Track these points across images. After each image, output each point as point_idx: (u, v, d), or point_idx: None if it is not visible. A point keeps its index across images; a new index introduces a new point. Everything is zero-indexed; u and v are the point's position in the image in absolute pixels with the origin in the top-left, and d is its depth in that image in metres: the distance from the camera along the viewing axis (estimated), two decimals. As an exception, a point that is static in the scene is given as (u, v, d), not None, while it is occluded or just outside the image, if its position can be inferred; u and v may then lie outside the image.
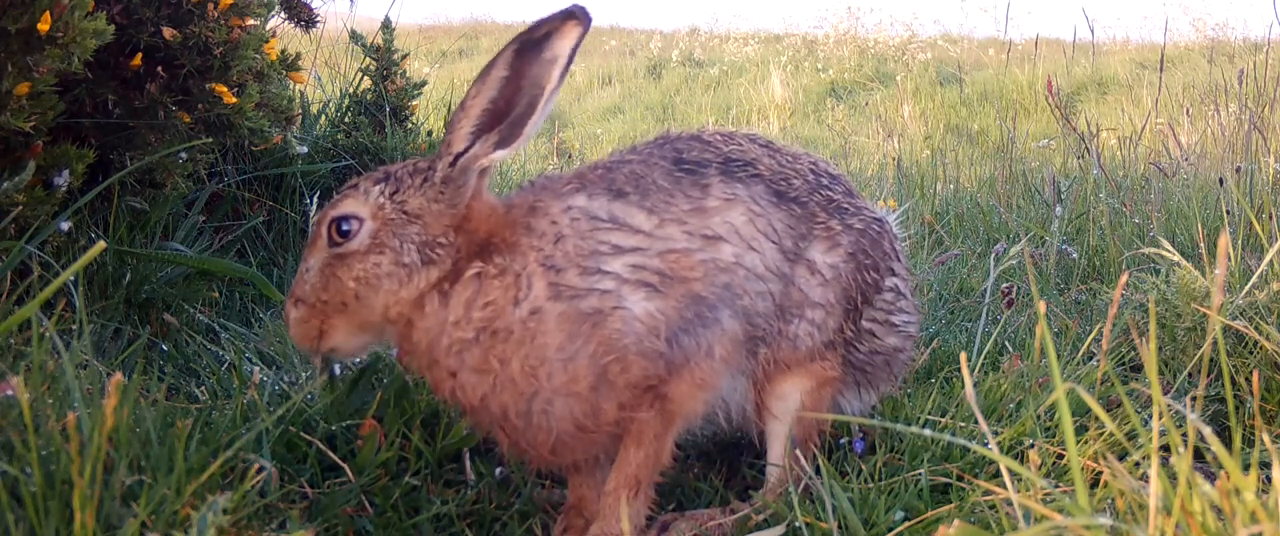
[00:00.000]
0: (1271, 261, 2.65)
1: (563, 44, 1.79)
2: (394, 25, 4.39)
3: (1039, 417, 2.23)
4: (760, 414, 2.14)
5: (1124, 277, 1.72)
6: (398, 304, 1.84)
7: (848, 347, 2.14)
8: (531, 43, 1.80)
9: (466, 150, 1.85)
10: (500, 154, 1.85)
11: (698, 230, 1.94)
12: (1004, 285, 3.02)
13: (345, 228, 1.84)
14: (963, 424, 2.25)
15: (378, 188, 1.86)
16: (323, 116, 4.33)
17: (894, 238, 2.27)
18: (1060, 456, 2.08)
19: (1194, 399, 1.70)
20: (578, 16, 1.78)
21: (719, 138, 2.16)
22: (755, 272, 1.99)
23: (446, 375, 1.85)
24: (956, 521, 1.43)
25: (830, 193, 2.18)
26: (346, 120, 4.23)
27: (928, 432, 1.67)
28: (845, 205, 2.18)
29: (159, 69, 2.87)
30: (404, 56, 4.39)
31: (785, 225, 2.06)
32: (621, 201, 1.93)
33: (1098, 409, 1.38)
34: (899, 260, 2.28)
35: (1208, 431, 1.32)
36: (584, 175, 1.98)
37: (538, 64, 1.81)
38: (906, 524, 1.93)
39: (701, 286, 1.91)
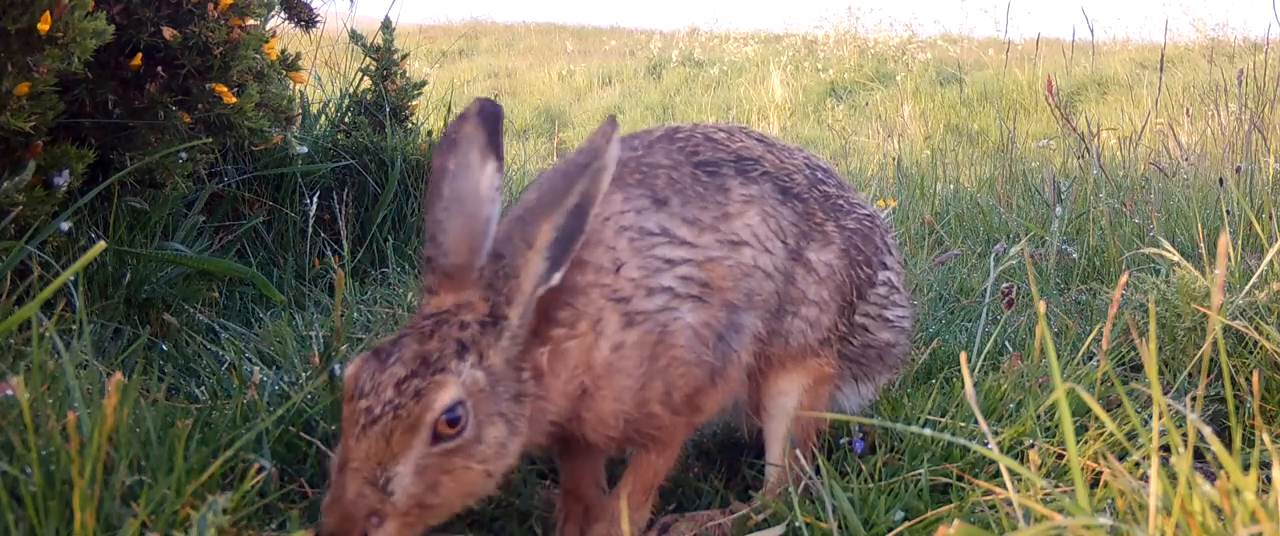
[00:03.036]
0: (1271, 261, 2.65)
1: (613, 150, 1.73)
2: (394, 25, 4.39)
3: (1039, 417, 2.23)
4: (758, 413, 2.15)
5: (1124, 278, 1.72)
6: (516, 454, 1.73)
7: (842, 343, 2.16)
8: (600, 162, 1.72)
9: (537, 287, 1.71)
10: (556, 278, 1.72)
11: (726, 236, 1.96)
12: (1004, 285, 3.02)
13: (455, 417, 1.61)
14: (963, 424, 2.25)
15: (466, 364, 1.63)
16: (323, 116, 4.33)
17: (885, 232, 2.28)
18: (1060, 456, 2.08)
19: (1194, 399, 1.70)
20: (613, 122, 1.74)
21: (722, 133, 2.16)
22: (767, 272, 2.01)
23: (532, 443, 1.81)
24: (956, 521, 1.43)
25: (826, 188, 2.20)
26: (346, 120, 4.23)
27: (928, 432, 1.67)
28: (839, 201, 2.20)
29: (159, 69, 2.87)
30: (404, 56, 4.39)
31: (790, 222, 2.08)
32: (666, 211, 1.92)
33: (1098, 409, 1.38)
34: (891, 253, 2.29)
35: (1208, 431, 1.32)
36: (622, 181, 1.92)
37: (586, 176, 1.71)
38: (906, 524, 1.93)
39: (733, 293, 1.94)
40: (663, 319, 1.84)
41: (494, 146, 1.78)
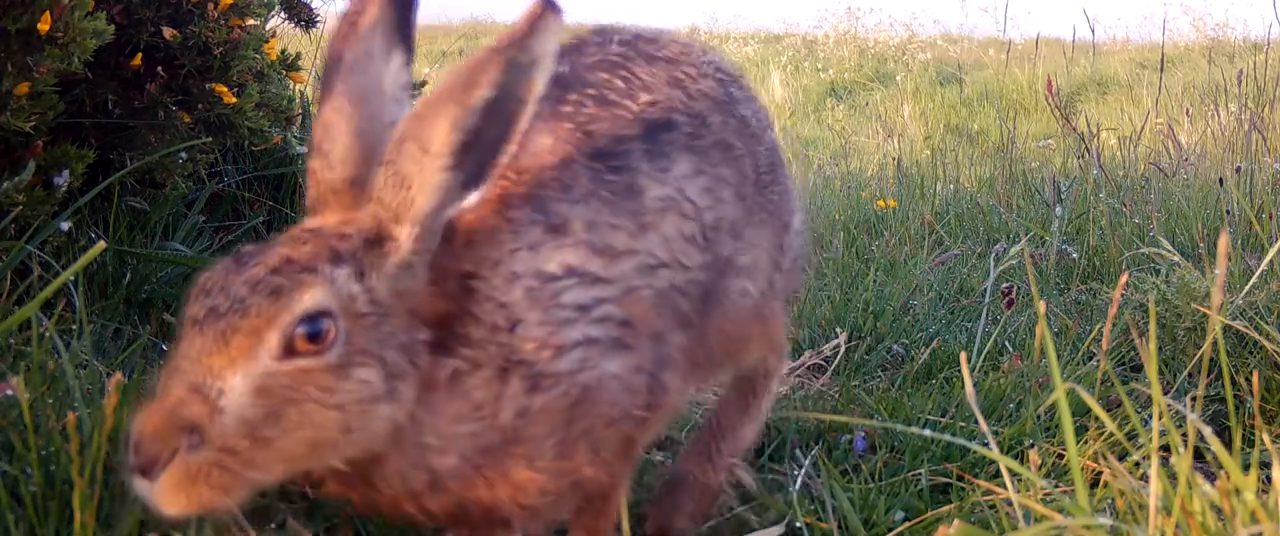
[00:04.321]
0: (1271, 261, 2.65)
1: (546, 42, 1.35)
2: (394, 25, 4.38)
3: (1039, 417, 2.23)
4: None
5: (1124, 278, 1.72)
6: (383, 435, 1.35)
7: (778, 272, 1.94)
8: (517, 48, 1.35)
9: (439, 204, 1.36)
10: (472, 198, 1.39)
11: (644, 259, 1.60)
12: (1004, 285, 3.02)
13: (318, 329, 1.27)
14: (963, 424, 2.25)
15: (342, 271, 1.31)
16: (323, 116, 4.32)
17: (771, 126, 2.03)
18: (1060, 456, 2.08)
19: (1194, 399, 1.70)
20: (555, 6, 1.35)
21: (619, 80, 1.74)
22: (684, 285, 1.67)
23: (422, 508, 1.46)
24: (956, 521, 1.43)
25: (740, 111, 1.89)
26: (346, 120, 4.21)
27: (928, 432, 1.67)
28: (751, 122, 1.91)
29: (159, 69, 2.87)
30: (404, 56, 4.39)
31: (707, 191, 1.72)
32: (568, 240, 1.52)
33: (1098, 409, 1.38)
34: (779, 151, 2.04)
35: (1208, 431, 1.32)
36: (506, 204, 1.50)
37: (515, 71, 1.35)
38: (906, 524, 1.93)
39: (657, 320, 1.60)
40: (582, 379, 1.48)
41: (403, 34, 1.48)
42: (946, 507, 1.96)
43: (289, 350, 1.26)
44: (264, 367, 1.25)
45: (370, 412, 1.31)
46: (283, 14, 3.65)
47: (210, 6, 2.81)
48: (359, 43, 1.44)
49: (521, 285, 1.46)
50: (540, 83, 1.36)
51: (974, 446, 1.58)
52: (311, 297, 1.26)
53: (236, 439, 1.23)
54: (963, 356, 1.58)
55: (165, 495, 1.22)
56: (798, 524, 1.92)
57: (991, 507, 1.93)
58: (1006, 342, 2.99)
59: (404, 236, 1.35)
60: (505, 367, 1.43)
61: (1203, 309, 2.66)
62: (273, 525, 1.82)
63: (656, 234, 1.62)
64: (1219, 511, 1.30)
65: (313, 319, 1.26)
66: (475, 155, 1.35)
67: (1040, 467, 1.98)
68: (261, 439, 1.25)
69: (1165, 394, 2.50)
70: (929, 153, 7.30)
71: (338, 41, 1.44)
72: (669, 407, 1.68)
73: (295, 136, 3.78)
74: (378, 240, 1.35)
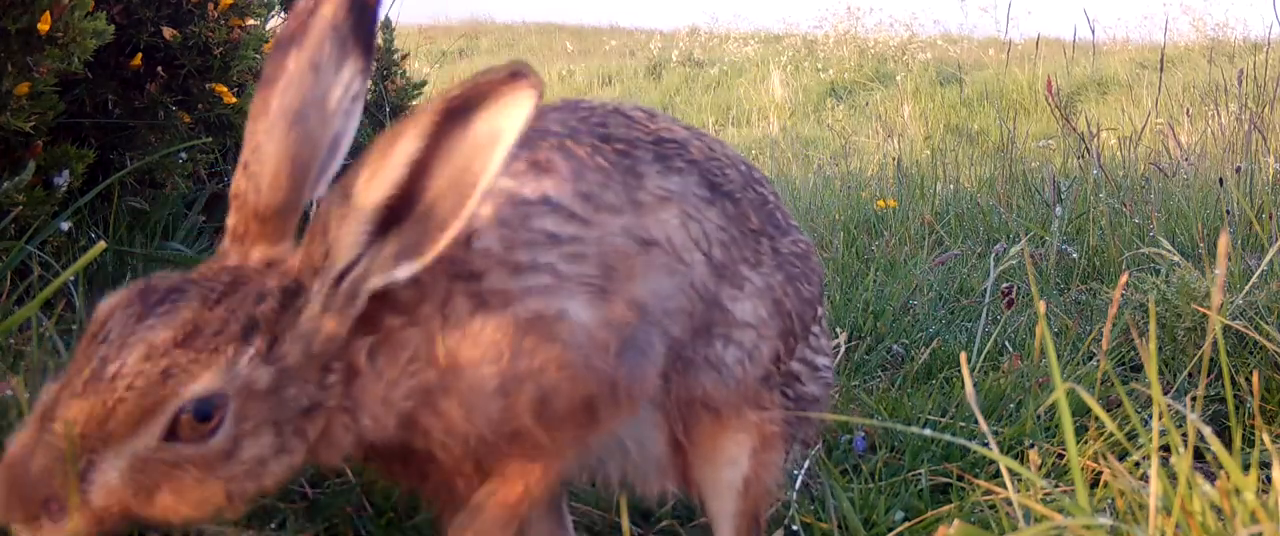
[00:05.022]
0: (1271, 261, 2.65)
1: (509, 116, 1.19)
2: (394, 25, 4.39)
3: (1039, 417, 2.23)
4: (691, 489, 1.71)
5: (1124, 278, 1.72)
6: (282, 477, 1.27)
7: (783, 392, 1.72)
8: (465, 108, 1.19)
9: (356, 263, 1.24)
10: (403, 273, 1.24)
11: (633, 228, 1.48)
12: (1004, 285, 3.03)
13: (205, 413, 1.17)
14: (963, 424, 2.25)
15: (248, 353, 1.18)
16: (323, 116, 4.32)
17: (819, 260, 1.86)
18: (1060, 456, 2.08)
19: (1194, 399, 1.70)
20: (529, 78, 1.17)
21: (640, 112, 1.69)
22: (683, 289, 1.55)
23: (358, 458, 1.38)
24: (956, 521, 1.43)
25: (763, 191, 1.77)
26: (346, 120, 4.22)
27: (928, 432, 1.67)
28: (775, 211, 1.78)
29: (159, 69, 2.87)
30: (404, 56, 4.40)
31: (718, 226, 1.61)
32: (551, 178, 1.43)
33: (1098, 409, 1.38)
34: (823, 289, 1.87)
35: (1208, 431, 1.32)
36: None
37: (468, 140, 1.20)
38: (906, 524, 1.93)
39: (644, 293, 1.47)
40: (536, 305, 1.34)
41: (361, 38, 1.32)
42: (946, 507, 1.96)
43: (172, 433, 1.16)
44: (143, 448, 1.16)
45: (260, 475, 1.23)
46: (282, 14, 3.65)
47: (210, 6, 2.81)
48: (306, 51, 1.30)
49: (491, 203, 1.36)
50: (499, 159, 1.21)
51: (974, 446, 1.58)
52: (204, 385, 1.16)
53: (102, 511, 1.16)
54: (963, 356, 1.58)
55: None
56: (795, 527, 1.92)
57: (991, 507, 1.93)
58: (1006, 342, 2.99)
59: (315, 294, 1.24)
60: (448, 294, 1.31)
61: (1203, 309, 2.66)
62: (273, 525, 1.82)
63: (653, 216, 1.51)
64: (1219, 511, 1.30)
65: (203, 403, 1.16)
66: (413, 223, 1.23)
67: (1040, 467, 1.98)
68: (130, 512, 1.18)
69: (1165, 394, 2.50)
70: (929, 153, 7.30)
71: (281, 47, 1.30)
72: (635, 401, 1.50)
73: (295, 136, 3.77)
74: (294, 293, 1.23)
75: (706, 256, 1.58)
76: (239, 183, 1.27)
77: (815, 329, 1.80)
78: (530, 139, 1.44)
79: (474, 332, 1.32)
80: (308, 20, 1.30)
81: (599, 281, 1.41)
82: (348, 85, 1.32)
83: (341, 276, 1.24)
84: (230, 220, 1.28)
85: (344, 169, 1.27)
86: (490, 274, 1.34)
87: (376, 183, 1.20)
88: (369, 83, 1.33)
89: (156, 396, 1.15)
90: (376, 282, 1.25)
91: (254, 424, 1.20)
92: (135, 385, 1.14)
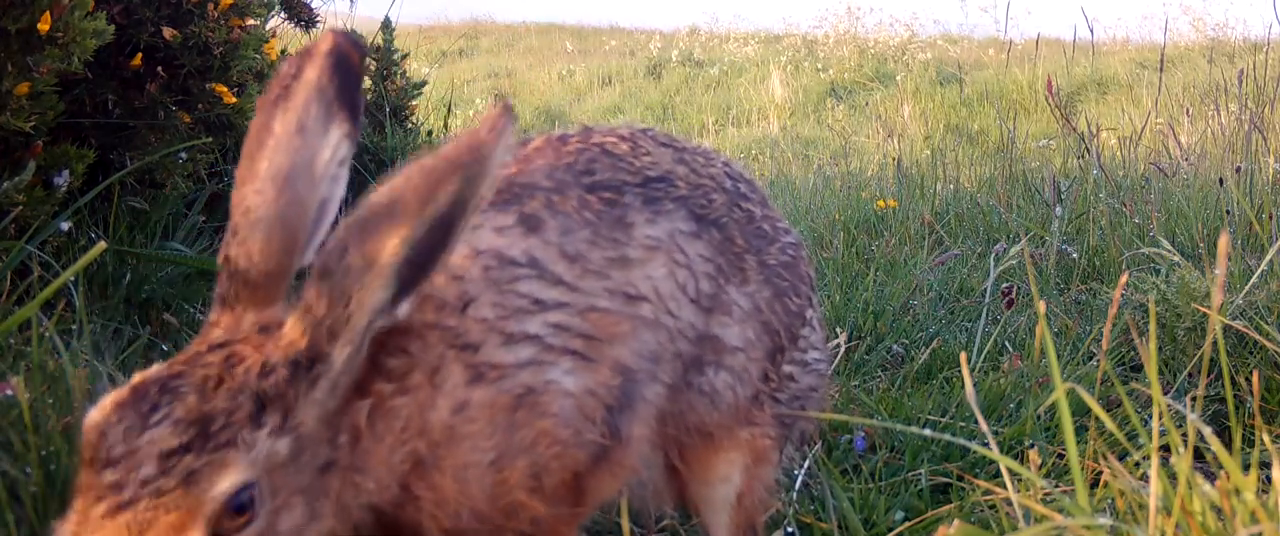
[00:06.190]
0: (1271, 261, 2.65)
1: (504, 151, 1.22)
2: (394, 25, 4.39)
3: (1039, 417, 2.23)
4: (689, 507, 1.77)
5: (1124, 278, 1.72)
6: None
7: (773, 401, 1.76)
8: (480, 158, 1.21)
9: (374, 321, 1.24)
10: (403, 310, 1.25)
11: (620, 287, 1.51)
12: (1004, 285, 3.03)
13: (242, 504, 1.14)
14: (963, 424, 2.25)
15: (263, 431, 1.16)
16: (323, 116, 4.32)
17: (808, 261, 1.91)
18: (1060, 456, 2.08)
19: (1194, 399, 1.70)
20: (508, 111, 1.22)
21: (624, 143, 1.70)
22: (671, 334, 1.58)
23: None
24: (956, 521, 1.43)
25: (749, 206, 1.80)
26: (346, 120, 4.22)
27: (928, 432, 1.67)
28: (763, 225, 1.80)
29: (159, 69, 2.87)
30: (404, 56, 4.40)
31: (704, 259, 1.65)
32: (538, 238, 1.45)
33: (1098, 409, 1.38)
34: (813, 288, 1.91)
35: (1208, 431, 1.32)
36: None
37: (459, 178, 1.22)
38: (906, 524, 1.93)
39: (628, 354, 1.50)
40: (526, 378, 1.38)
41: (346, 102, 1.30)
42: (946, 507, 1.96)
43: (217, 529, 1.12)
44: None
45: None
46: (283, 14, 3.66)
47: (210, 6, 2.81)
48: (291, 113, 1.28)
49: (480, 263, 1.38)
50: (489, 190, 1.24)
51: (974, 446, 1.58)
52: (232, 480, 1.12)
53: None
54: (963, 356, 1.58)
55: None
56: (792, 529, 1.92)
57: (991, 507, 1.93)
58: (1006, 342, 2.99)
59: (339, 358, 1.22)
60: (441, 362, 1.32)
61: (1203, 309, 2.66)
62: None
63: (640, 271, 1.54)
64: (1219, 511, 1.30)
65: (237, 495, 1.13)
66: (413, 268, 1.22)
67: (1040, 467, 1.98)
68: None
69: (1165, 394, 2.50)
70: (929, 153, 7.31)
71: (267, 107, 1.29)
72: (626, 465, 1.53)
73: (295, 136, 3.77)
74: (308, 362, 1.20)
75: (694, 301, 1.61)
76: (229, 249, 1.25)
77: (805, 330, 1.83)
78: (518, 194, 1.49)
79: (469, 402, 1.34)
80: (292, 83, 1.29)
81: (582, 347, 1.44)
82: (335, 149, 1.31)
83: (362, 339, 1.24)
84: (220, 288, 1.26)
85: (334, 227, 1.26)
86: (486, 345, 1.36)
87: (405, 246, 1.19)
88: (350, 139, 1.32)
89: (186, 507, 1.10)
90: (379, 325, 1.25)
91: (285, 495, 1.19)
92: (162, 499, 1.09)
